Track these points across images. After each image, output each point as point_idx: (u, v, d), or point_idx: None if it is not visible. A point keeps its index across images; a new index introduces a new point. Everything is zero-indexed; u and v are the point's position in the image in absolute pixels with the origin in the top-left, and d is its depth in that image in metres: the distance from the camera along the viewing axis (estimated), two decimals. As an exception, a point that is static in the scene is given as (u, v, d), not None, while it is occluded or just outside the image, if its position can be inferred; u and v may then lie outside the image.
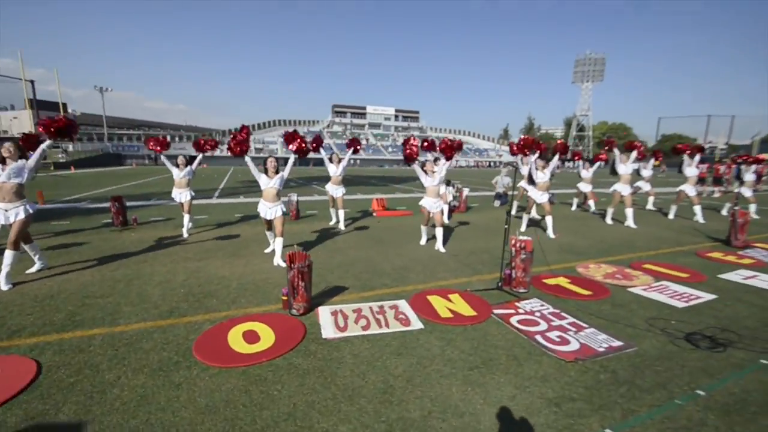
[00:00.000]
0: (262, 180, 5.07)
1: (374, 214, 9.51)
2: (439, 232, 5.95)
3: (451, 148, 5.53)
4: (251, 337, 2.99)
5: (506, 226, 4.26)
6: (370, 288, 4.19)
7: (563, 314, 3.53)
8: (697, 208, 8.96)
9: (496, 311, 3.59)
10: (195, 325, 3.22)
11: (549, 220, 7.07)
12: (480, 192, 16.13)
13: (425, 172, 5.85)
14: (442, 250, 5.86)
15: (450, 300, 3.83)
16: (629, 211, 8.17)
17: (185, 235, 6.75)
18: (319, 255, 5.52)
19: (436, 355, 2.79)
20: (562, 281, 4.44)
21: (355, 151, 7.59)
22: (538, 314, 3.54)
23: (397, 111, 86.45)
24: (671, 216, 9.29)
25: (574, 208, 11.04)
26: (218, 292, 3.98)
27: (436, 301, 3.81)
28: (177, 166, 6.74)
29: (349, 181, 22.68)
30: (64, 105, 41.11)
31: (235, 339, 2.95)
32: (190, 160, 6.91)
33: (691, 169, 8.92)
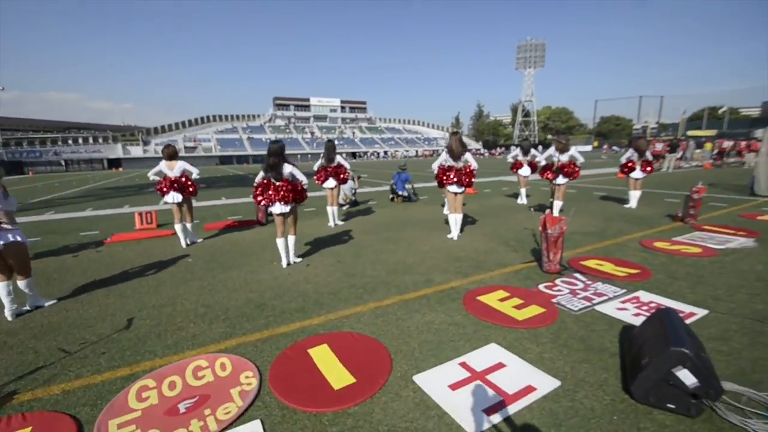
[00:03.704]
0: None
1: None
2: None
3: None
4: None
5: None
6: None
7: None
8: (557, 203, 6.77)
9: None
10: None
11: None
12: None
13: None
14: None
15: None
16: (452, 218, 5.76)
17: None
18: None
19: None
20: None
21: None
22: None
23: (343, 102, 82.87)
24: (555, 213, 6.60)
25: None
26: None
27: None
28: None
29: (221, 180, 19.40)
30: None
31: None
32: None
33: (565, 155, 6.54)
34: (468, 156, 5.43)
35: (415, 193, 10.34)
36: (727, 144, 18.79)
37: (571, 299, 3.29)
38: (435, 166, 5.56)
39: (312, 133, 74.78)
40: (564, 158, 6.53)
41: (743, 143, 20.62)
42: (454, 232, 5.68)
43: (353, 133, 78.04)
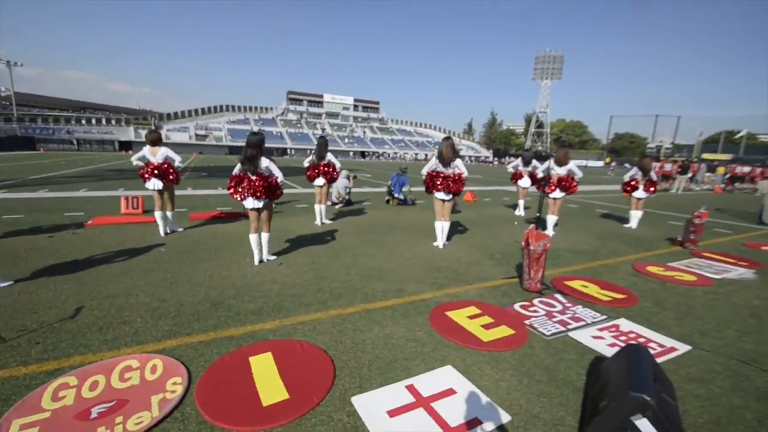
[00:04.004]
0: None
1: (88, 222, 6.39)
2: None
3: None
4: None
5: None
6: None
7: None
8: (552, 218, 6.52)
9: None
10: None
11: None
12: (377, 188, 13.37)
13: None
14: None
15: None
16: (438, 226, 5.56)
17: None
18: None
19: None
20: None
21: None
22: None
23: (356, 101, 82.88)
24: (550, 231, 6.31)
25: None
26: None
27: None
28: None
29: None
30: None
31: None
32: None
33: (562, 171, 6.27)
34: (458, 162, 5.23)
35: (412, 200, 10.10)
36: (741, 170, 18.22)
37: (545, 322, 3.07)
38: (424, 172, 5.37)
39: (323, 130, 74.84)
40: (562, 171, 6.28)
41: (758, 170, 20.05)
42: (440, 241, 5.49)
43: (364, 132, 77.99)
